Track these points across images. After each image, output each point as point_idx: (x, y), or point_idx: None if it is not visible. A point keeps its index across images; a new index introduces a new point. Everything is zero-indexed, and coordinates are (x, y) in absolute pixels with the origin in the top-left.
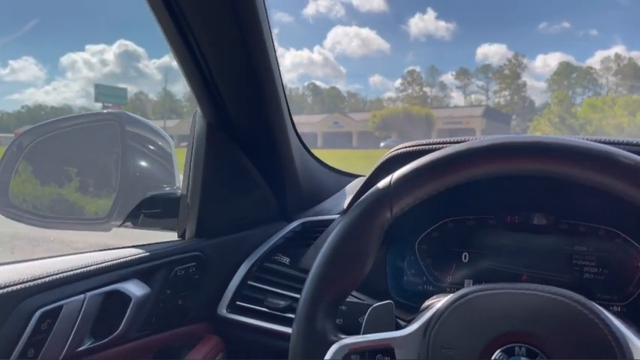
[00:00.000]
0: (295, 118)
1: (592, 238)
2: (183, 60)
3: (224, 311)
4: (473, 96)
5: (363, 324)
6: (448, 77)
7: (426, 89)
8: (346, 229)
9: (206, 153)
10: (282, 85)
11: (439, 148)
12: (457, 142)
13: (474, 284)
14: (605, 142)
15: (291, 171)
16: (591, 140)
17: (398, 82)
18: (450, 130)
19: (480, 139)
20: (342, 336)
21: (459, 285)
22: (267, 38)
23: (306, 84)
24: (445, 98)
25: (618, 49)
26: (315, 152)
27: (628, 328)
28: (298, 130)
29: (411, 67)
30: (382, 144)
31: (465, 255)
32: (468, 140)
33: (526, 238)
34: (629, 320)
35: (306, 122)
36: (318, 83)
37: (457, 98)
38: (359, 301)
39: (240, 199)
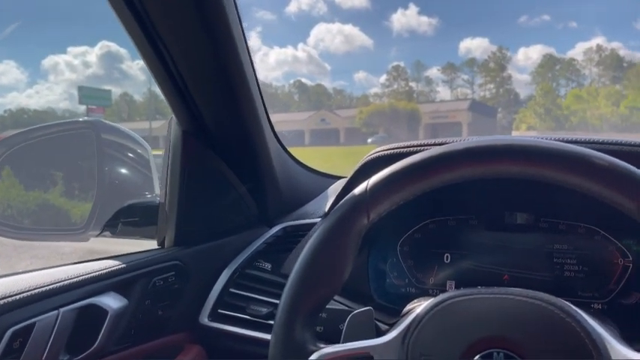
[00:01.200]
0: (282, 116)
1: (572, 236)
2: (154, 68)
3: (205, 320)
4: (459, 90)
5: (343, 332)
6: (433, 72)
7: (412, 84)
8: (322, 237)
9: (182, 161)
10: (259, 88)
11: (417, 151)
12: (435, 145)
13: (456, 285)
14: (580, 143)
15: (270, 175)
16: (568, 139)
17: (383, 77)
18: (436, 125)
19: (456, 142)
20: (321, 345)
21: (442, 286)
22: (239, 42)
23: (291, 81)
24: (431, 93)
25: (599, 40)
26: (303, 150)
27: (606, 330)
28: (286, 128)
29: (395, 63)
30: (370, 140)
31: (447, 256)
32: (446, 143)
33: (507, 237)
34: (610, 318)
35: (293, 120)
36: (303, 80)
37: (443, 92)
38: (339, 307)
39: (219, 205)
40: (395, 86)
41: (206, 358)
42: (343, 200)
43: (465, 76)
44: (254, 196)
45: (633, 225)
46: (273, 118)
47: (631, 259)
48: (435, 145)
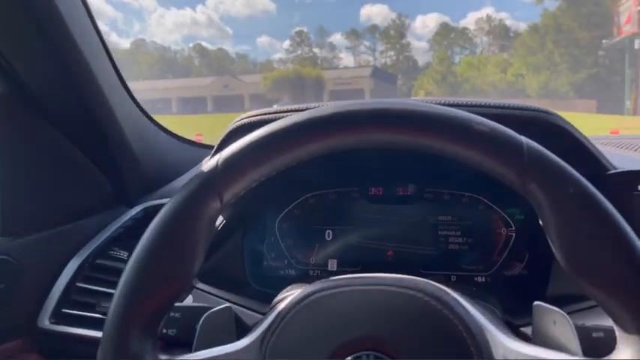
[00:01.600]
0: (182, 82)
1: (456, 207)
2: None
3: (46, 322)
4: (362, 56)
5: (196, 336)
6: (337, 38)
7: (316, 50)
8: (164, 224)
9: (1, 132)
10: (104, 46)
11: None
12: (305, 110)
13: (338, 264)
14: (463, 106)
15: (124, 147)
16: (451, 102)
17: (287, 43)
18: (340, 92)
19: (322, 106)
20: (163, 357)
21: (323, 266)
22: None
23: (191, 45)
24: (334, 59)
25: (488, 10)
26: (204, 117)
27: (487, 315)
28: (187, 95)
29: (298, 28)
30: (275, 106)
31: (329, 232)
32: (314, 107)
33: (390, 210)
34: (493, 291)
35: (194, 86)
36: (204, 44)
37: (346, 59)
38: (195, 304)
39: (61, 184)
40: (299, 52)
41: None
42: (190, 179)
43: (367, 43)
44: (107, 172)
45: (516, 193)
46: (173, 83)
47: (514, 228)
48: (305, 110)
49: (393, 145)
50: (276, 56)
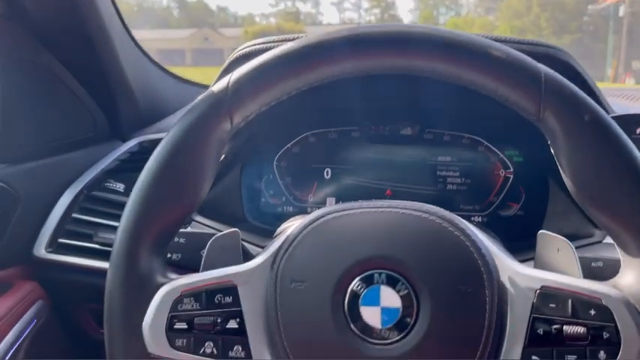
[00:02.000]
0: (160, 33)
1: (456, 148)
2: None
3: (42, 251)
4: (346, 13)
5: (203, 259)
6: None
7: (299, 5)
8: (173, 145)
9: None
10: None
11: None
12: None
13: (336, 202)
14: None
15: (121, 80)
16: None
17: None
18: None
19: (336, 30)
20: (173, 276)
21: (321, 204)
22: None
23: None
24: (318, 15)
25: None
26: (183, 70)
27: (494, 243)
28: (165, 46)
29: None
30: None
31: (328, 171)
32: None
33: (390, 150)
34: (490, 230)
35: (172, 38)
36: None
37: (330, 16)
38: (200, 230)
39: (56, 113)
40: (282, 6)
41: (44, 296)
42: (198, 100)
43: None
44: (102, 104)
45: (516, 135)
46: (150, 34)
47: (512, 170)
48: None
49: (408, 71)
50: (258, 10)
